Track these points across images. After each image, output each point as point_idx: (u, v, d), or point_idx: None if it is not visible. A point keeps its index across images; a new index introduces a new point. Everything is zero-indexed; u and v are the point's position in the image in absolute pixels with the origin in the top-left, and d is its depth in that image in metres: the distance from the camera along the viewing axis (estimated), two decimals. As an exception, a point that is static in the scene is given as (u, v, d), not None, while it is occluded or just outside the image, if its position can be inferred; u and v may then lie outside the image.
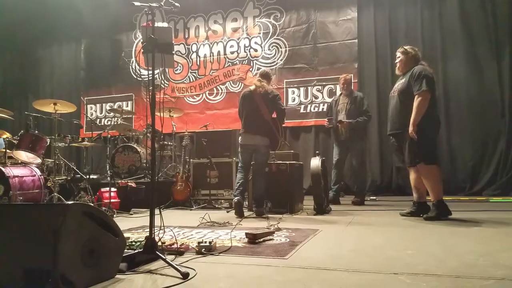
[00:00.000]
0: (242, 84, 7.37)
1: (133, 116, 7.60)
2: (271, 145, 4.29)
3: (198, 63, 7.72)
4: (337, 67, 6.91)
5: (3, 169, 3.99)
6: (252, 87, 4.42)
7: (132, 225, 3.61)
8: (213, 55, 7.65)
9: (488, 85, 6.12)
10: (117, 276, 1.94)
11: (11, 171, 4.06)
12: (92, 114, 8.32)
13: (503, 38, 6.09)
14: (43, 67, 8.71)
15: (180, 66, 7.81)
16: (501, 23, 6.11)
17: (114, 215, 4.33)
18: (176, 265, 2.06)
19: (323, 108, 6.81)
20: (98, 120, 8.22)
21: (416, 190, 3.79)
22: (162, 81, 7.81)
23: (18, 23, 8.19)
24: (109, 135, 5.32)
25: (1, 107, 4.59)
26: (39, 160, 4.45)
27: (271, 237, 2.77)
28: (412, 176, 3.78)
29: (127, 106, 7.99)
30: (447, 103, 6.33)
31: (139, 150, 5.59)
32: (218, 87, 7.55)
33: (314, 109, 7.04)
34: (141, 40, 2.20)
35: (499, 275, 1.79)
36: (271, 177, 4.37)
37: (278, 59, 7.28)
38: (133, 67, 8.06)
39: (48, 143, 4.48)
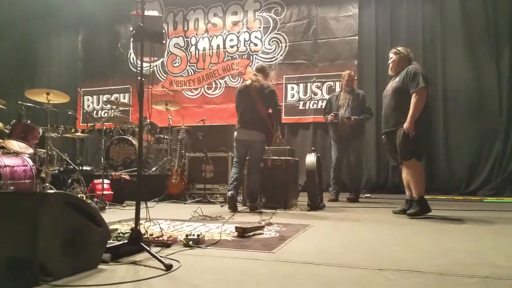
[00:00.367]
0: (241, 79, 7.31)
1: (130, 109, 7.55)
2: (267, 140, 4.25)
3: (197, 56, 7.66)
4: (337, 63, 6.86)
5: (-6, 158, 3.96)
6: (248, 82, 4.38)
7: (124, 217, 3.59)
8: (212, 49, 7.59)
9: (487, 85, 6.08)
10: (100, 266, 1.91)
11: (2, 160, 4.03)
12: (89, 106, 8.28)
13: (503, 38, 6.04)
14: (40, 57, 8.65)
15: (178, 59, 7.76)
16: (501, 23, 6.06)
17: (107, 207, 4.30)
18: (161, 257, 2.02)
19: (322, 105, 6.74)
20: (95, 112, 8.18)
21: (408, 188, 3.78)
22: (159, 74, 7.77)
23: (17, 13, 8.13)
24: (104, 127, 5.28)
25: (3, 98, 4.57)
26: (31, 150, 4.41)
27: (261, 231, 2.74)
28: (404, 174, 3.76)
29: (124, 98, 7.94)
30: (445, 102, 6.29)
31: (134, 142, 5.55)
32: (217, 81, 7.50)
33: (313, 106, 6.99)
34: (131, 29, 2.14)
35: (483, 273, 1.77)
36: (266, 172, 4.34)
37: (278, 54, 7.23)
38: (131, 58, 7.99)
39: (41, 134, 4.43)
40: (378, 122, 6.37)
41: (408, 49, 3.88)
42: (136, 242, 2.11)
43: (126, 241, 2.16)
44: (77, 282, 1.66)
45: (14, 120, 4.32)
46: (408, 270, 1.82)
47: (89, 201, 4.17)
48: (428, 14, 6.50)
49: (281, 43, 7.22)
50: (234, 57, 7.46)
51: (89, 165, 5.91)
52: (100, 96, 8.22)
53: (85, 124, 6.68)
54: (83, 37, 8.45)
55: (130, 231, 2.18)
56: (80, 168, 4.68)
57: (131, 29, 2.10)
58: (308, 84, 7.05)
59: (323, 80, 6.97)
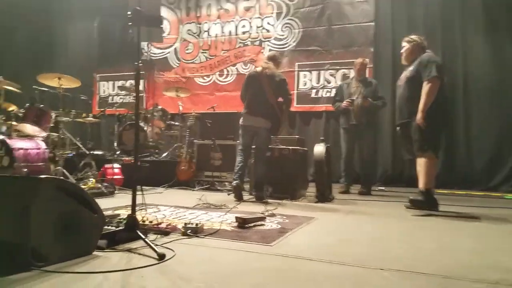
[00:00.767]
0: (253, 66, 7.21)
1: (144, 95, 7.57)
2: (272, 129, 4.17)
3: (209, 43, 7.57)
4: (352, 50, 6.65)
5: (8, 140, 4.02)
6: (259, 69, 4.30)
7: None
8: (224, 35, 7.47)
9: (509, 73, 5.78)
10: (95, 253, 1.91)
11: (16, 143, 4.09)
12: (104, 91, 8.34)
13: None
14: (57, 43, 8.72)
15: (191, 46, 7.69)
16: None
17: (116, 192, 4.34)
18: (158, 245, 2.02)
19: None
20: (110, 97, 8.23)
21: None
22: (172, 60, 7.74)
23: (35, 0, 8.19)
24: (118, 113, 5.31)
25: (15, 81, 4.62)
26: (44, 134, 4.47)
27: (262, 222, 2.70)
28: (417, 165, 3.64)
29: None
30: (466, 92, 6.01)
31: (145, 128, 5.57)
32: (228, 68, 7.41)
33: (326, 94, 6.83)
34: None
35: (493, 278, 1.66)
36: (273, 162, 4.27)
37: (290, 40, 7.07)
38: (145, 45, 7.95)
39: (53, 118, 4.48)
40: (394, 112, 6.19)
41: (422, 37, 3.74)
42: (132, 229, 2.10)
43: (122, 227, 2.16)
44: (68, 268, 1.66)
45: (27, 104, 4.37)
46: (411, 271, 1.74)
47: (98, 185, 4.23)
48: (447, -1, 6.21)
49: (294, 29, 7.05)
50: (246, 43, 7.34)
51: (101, 149, 5.97)
52: (115, 82, 8.27)
53: (102, 109, 6.74)
54: (99, 23, 8.45)
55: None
56: (91, 152, 4.71)
57: (128, 13, 2.05)
58: (321, 72, 6.88)
59: (337, 67, 6.79)
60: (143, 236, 2.04)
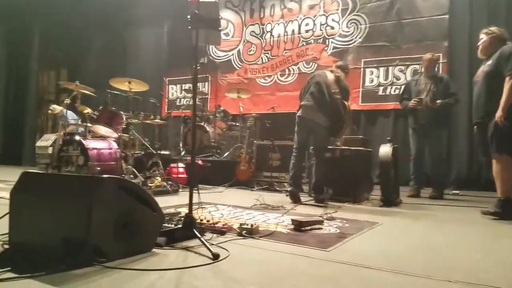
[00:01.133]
0: (316, 64, 7.08)
1: (209, 97, 7.81)
2: (331, 129, 3.99)
3: (271, 43, 7.59)
4: (423, 45, 6.24)
5: (83, 141, 4.37)
6: (327, 70, 4.21)
7: (193, 201, 3.70)
8: (287, 34, 7.44)
9: None
10: (154, 250, 1.97)
11: (90, 143, 4.43)
12: (173, 94, 8.74)
13: None
14: (130, 49, 9.31)
15: (253, 47, 7.76)
16: None
17: (180, 190, 4.51)
18: (213, 245, 2.04)
19: (405, 91, 6.24)
20: (178, 100, 8.61)
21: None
22: (235, 62, 7.87)
23: (110, 10, 8.82)
24: (183, 115, 5.52)
25: (92, 86, 5.03)
26: (116, 135, 4.79)
27: (320, 226, 2.61)
28: (494, 169, 3.29)
29: (204, 87, 8.21)
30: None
31: (208, 129, 5.72)
32: (290, 67, 7.36)
33: (394, 91, 6.48)
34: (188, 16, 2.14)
35: None
36: (334, 163, 4.13)
37: (356, 36, 6.83)
38: (210, 48, 8.20)
39: (124, 119, 4.78)
40: (471, 110, 5.68)
41: (502, 29, 3.40)
42: (189, 228, 2.14)
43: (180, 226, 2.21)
44: (127, 265, 1.72)
45: (100, 107, 4.71)
46: (484, 285, 1.55)
47: (164, 183, 4.43)
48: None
49: (360, 24, 6.80)
50: (309, 42, 7.23)
51: (168, 149, 6.26)
52: (182, 85, 8.63)
53: (171, 111, 7.07)
54: (168, 29, 8.89)
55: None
56: (159, 152, 4.96)
57: (188, 17, 2.09)
58: (390, 68, 6.55)
59: (407, 63, 6.42)
60: (199, 235, 2.06)
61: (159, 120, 5.19)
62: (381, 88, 6.60)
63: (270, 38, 7.60)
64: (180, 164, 4.93)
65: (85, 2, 8.68)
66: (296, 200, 3.87)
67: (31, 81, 9.70)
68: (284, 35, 7.45)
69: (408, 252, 2.11)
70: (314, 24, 7.19)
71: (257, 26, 7.77)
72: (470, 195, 5.12)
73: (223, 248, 2.01)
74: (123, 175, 4.57)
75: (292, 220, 2.56)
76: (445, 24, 6.11)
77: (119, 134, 4.71)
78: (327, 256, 1.95)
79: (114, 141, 4.79)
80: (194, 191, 2.20)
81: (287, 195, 4.32)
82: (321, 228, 2.57)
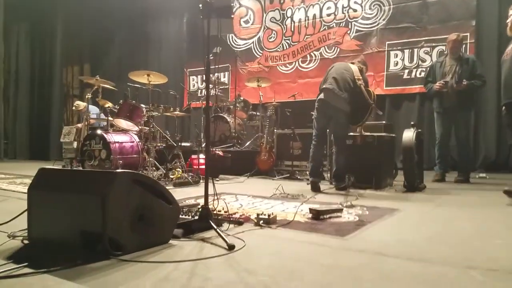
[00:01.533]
0: (338, 49, 6.92)
1: (229, 87, 7.79)
2: (353, 116, 3.88)
3: (292, 29, 7.46)
4: (450, 25, 6.00)
5: (105, 135, 4.46)
6: (349, 62, 4.13)
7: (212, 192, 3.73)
8: (308, 19, 7.28)
9: None
10: (171, 242, 1.99)
11: (112, 137, 4.53)
12: (194, 85, 8.78)
13: None
14: (151, 41, 9.39)
15: (274, 34, 7.65)
16: None
17: (201, 181, 4.54)
18: (230, 235, 2.05)
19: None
20: (199, 91, 8.65)
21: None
22: (255, 50, 7.80)
23: (130, 2, 8.88)
24: (203, 106, 5.52)
25: (114, 80, 5.11)
26: (137, 128, 4.86)
27: (338, 214, 2.56)
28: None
29: (224, 77, 8.20)
30: None
31: (228, 120, 5.73)
32: (312, 53, 7.22)
33: (420, 74, 6.28)
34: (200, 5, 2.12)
35: None
36: (356, 149, 4.05)
37: (380, 19, 6.62)
38: (230, 37, 8.14)
39: (145, 112, 4.85)
40: (500, 91, 5.43)
41: None
42: (205, 220, 2.15)
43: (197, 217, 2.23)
44: (143, 257, 1.75)
45: (121, 101, 4.79)
46: (506, 271, 1.50)
47: (185, 175, 4.48)
48: None
49: (384, 6, 6.58)
50: (331, 26, 7.06)
51: (189, 141, 6.31)
52: (203, 75, 8.62)
53: (192, 102, 7.10)
54: (187, 20, 8.88)
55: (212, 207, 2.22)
56: (180, 144, 5.01)
57: (200, 6, 2.07)
58: (415, 50, 6.34)
59: (433, 44, 6.19)
60: (215, 227, 2.07)
61: (179, 112, 5.22)
62: (406, 71, 6.41)
63: (291, 23, 7.47)
64: (201, 156, 4.96)
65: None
66: (316, 190, 3.83)
67: (55, 76, 9.98)
68: (305, 20, 7.31)
69: (428, 240, 2.05)
70: (336, 7, 7.01)
71: (277, 12, 7.64)
72: (499, 179, 4.92)
73: (240, 239, 2.01)
74: (145, 168, 4.66)
75: (310, 209, 2.53)
76: (473, 3, 5.85)
77: (140, 127, 4.79)
78: (344, 245, 1.92)
79: (135, 134, 4.87)
80: (210, 183, 2.20)
81: (308, 184, 4.28)
82: (339, 216, 2.53)
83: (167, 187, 2.03)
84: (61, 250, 1.79)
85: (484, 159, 5.71)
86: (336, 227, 2.27)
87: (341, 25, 6.95)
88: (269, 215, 2.34)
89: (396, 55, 6.50)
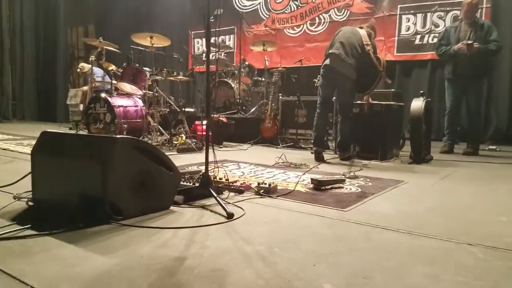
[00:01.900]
0: (348, 11, 6.66)
1: (234, 51, 7.60)
2: (359, 84, 3.76)
3: (301, -11, 7.16)
4: (466, -12, 5.68)
5: (109, 99, 4.42)
6: (357, 27, 3.96)
7: (217, 158, 3.72)
8: (318, -22, 6.98)
9: None
10: (172, 208, 2.00)
11: (117, 101, 4.48)
12: (198, 48, 8.58)
13: None
14: (155, 3, 9.09)
15: (282, -7, 7.36)
16: None
17: (204, 147, 4.52)
18: (230, 203, 2.05)
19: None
20: (204, 54, 8.44)
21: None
22: (262, 12, 7.53)
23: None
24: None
25: (120, 43, 4.98)
26: (140, 92, 4.80)
27: (340, 185, 2.54)
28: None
29: (229, 40, 7.98)
30: None
31: (233, 86, 5.62)
32: (320, 16, 6.95)
33: (432, 40, 6.04)
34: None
35: None
36: (362, 118, 3.96)
37: (392, -21, 6.31)
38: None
39: (148, 76, 4.76)
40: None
41: None
42: (205, 187, 2.14)
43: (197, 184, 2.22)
44: (143, 222, 1.76)
45: (124, 64, 4.70)
46: (507, 249, 1.47)
47: (188, 141, 4.46)
48: None
49: (397, -34, 6.25)
50: (342, -15, 6.76)
51: (193, 107, 6.25)
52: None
53: (197, 66, 6.96)
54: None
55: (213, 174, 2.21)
56: (183, 109, 4.96)
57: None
58: (428, 14, 6.08)
59: (447, 8, 5.92)
60: (215, 194, 2.07)
61: (182, 77, 5.12)
62: (418, 36, 6.18)
63: (300, -18, 7.16)
64: (205, 122, 4.91)
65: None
66: (320, 159, 3.78)
67: (60, 38, 9.82)
68: (315, -21, 6.99)
69: (429, 213, 2.03)
70: (347, -33, 6.68)
71: (286, -30, 7.30)
72: (509, 152, 4.83)
73: (239, 207, 2.01)
74: (150, 133, 4.64)
75: (312, 179, 2.51)
76: (491, -36, 5.51)
77: (143, 91, 4.72)
78: (343, 216, 1.91)
79: (139, 98, 4.82)
80: (210, 150, 2.17)
81: (312, 153, 4.25)
82: (341, 187, 2.51)
83: (170, 153, 2.03)
84: (64, 213, 1.81)
85: (495, 131, 5.59)
86: (337, 198, 2.25)
87: (352, -15, 6.65)
88: (270, 184, 2.33)
89: (408, 20, 6.24)
